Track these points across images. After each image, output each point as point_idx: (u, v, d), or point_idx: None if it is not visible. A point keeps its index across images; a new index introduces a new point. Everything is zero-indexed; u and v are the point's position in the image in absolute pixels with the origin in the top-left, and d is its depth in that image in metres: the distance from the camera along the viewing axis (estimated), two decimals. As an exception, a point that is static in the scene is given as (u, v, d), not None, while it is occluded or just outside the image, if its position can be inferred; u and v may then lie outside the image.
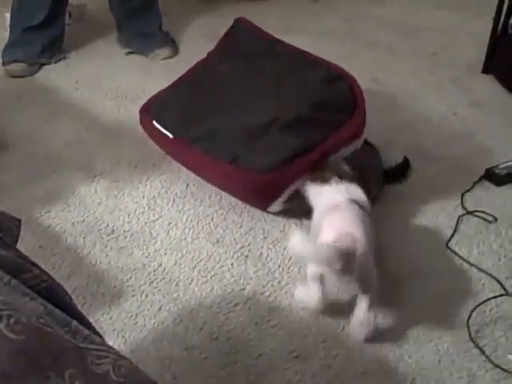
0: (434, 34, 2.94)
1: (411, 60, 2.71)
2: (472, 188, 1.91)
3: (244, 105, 1.78)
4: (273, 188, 1.69)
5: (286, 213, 1.78)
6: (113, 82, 2.50)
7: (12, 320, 0.71)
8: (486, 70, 2.60)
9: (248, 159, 1.67)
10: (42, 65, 2.59)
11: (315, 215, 1.56)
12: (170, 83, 2.03)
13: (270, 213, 1.78)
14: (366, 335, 1.41)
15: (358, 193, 1.55)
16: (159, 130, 1.81)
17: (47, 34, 2.58)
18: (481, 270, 1.62)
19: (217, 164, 1.70)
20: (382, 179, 1.86)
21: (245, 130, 1.71)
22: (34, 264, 0.90)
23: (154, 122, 1.83)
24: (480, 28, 2.72)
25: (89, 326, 0.93)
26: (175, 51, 2.73)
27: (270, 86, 1.82)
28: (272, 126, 1.70)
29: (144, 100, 2.28)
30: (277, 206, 1.73)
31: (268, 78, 1.84)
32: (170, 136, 1.79)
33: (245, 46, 1.95)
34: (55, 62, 2.61)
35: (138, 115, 1.96)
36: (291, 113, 1.72)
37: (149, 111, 1.90)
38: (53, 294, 0.89)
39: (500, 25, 2.54)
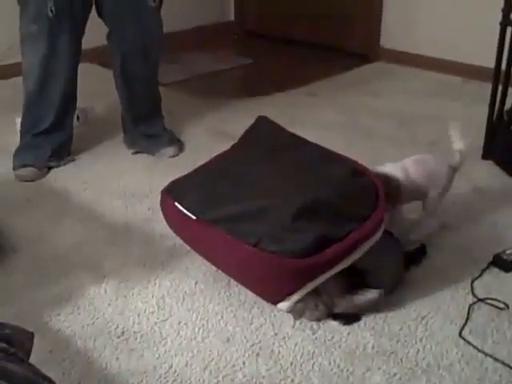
0: (431, 123, 3.02)
1: (410, 149, 2.75)
2: (481, 275, 1.90)
3: (269, 192, 1.78)
4: (300, 275, 1.66)
5: (296, 308, 1.77)
6: (120, 181, 2.55)
7: None
8: (486, 155, 2.66)
9: (275, 242, 1.64)
10: (51, 168, 2.65)
11: None
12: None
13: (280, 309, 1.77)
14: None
15: None
16: (181, 212, 1.79)
17: (56, 138, 2.66)
18: (496, 359, 1.59)
19: (240, 245, 1.67)
20: (399, 271, 1.86)
21: (270, 215, 1.70)
22: (45, 378, 0.90)
23: (176, 204, 1.82)
24: (476, 115, 2.79)
25: None
26: (181, 149, 2.80)
27: (295, 174, 1.84)
28: (300, 213, 1.68)
29: (151, 198, 2.34)
30: (289, 302, 1.71)
31: (293, 167, 1.87)
32: (193, 217, 1.77)
33: (268, 139, 1.99)
34: (64, 165, 2.68)
35: (160, 196, 1.93)
36: (318, 201, 1.72)
37: (171, 193, 1.88)
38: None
39: (495, 112, 2.62)
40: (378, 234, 1.72)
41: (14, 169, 2.60)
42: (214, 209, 1.76)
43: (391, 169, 1.99)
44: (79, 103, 2.84)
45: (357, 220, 1.70)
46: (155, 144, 2.77)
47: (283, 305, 1.72)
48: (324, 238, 1.65)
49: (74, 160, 2.72)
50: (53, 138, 2.65)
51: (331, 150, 1.93)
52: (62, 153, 2.70)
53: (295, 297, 1.70)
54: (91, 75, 3.52)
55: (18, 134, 2.70)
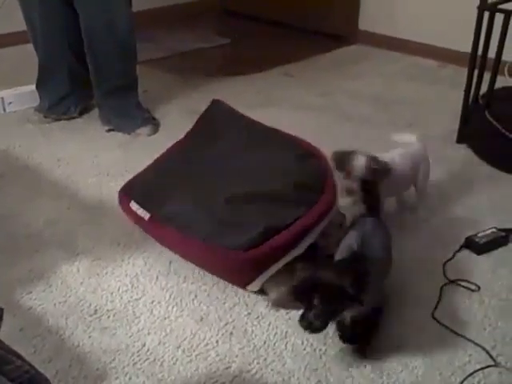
0: (409, 107, 3.04)
1: (388, 132, 2.76)
2: (453, 257, 1.92)
3: (217, 183, 1.80)
4: (251, 266, 1.68)
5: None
6: (94, 159, 2.52)
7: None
8: (460, 139, 2.68)
9: (223, 237, 1.67)
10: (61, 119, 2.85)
11: None
12: (151, 159, 2.06)
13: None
14: None
15: None
16: (135, 212, 1.83)
17: (50, 92, 2.82)
18: (467, 339, 1.62)
19: (190, 242, 1.72)
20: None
21: (218, 208, 1.73)
22: (15, 354, 0.89)
23: (132, 203, 1.86)
24: (452, 100, 2.82)
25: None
26: (156, 129, 2.77)
27: (243, 165, 1.84)
28: (245, 203, 1.72)
29: (126, 177, 2.30)
30: (257, 285, 1.72)
31: (242, 157, 1.87)
32: (147, 216, 1.81)
33: (220, 126, 1.99)
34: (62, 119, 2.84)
35: (118, 196, 1.97)
36: (263, 191, 1.73)
37: (127, 192, 1.92)
38: (35, 385, 0.87)
39: (471, 96, 2.63)
40: (330, 216, 1.72)
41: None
42: (165, 207, 1.79)
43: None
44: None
45: (305, 205, 1.70)
46: (129, 123, 2.74)
47: (250, 287, 1.74)
48: (270, 229, 1.66)
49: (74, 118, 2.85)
50: (47, 91, 2.83)
51: (281, 131, 1.90)
52: (57, 109, 2.83)
53: (255, 285, 1.71)
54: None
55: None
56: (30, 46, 2.81)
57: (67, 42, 2.72)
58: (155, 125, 2.79)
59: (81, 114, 2.88)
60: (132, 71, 2.78)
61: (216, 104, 2.08)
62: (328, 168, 1.79)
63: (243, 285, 1.75)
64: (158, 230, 1.82)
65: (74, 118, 2.85)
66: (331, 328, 1.65)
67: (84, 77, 2.79)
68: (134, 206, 1.85)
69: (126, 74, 2.77)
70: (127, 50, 2.71)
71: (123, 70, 2.75)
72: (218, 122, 2.01)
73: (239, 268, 1.69)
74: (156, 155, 2.07)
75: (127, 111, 2.77)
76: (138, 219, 1.86)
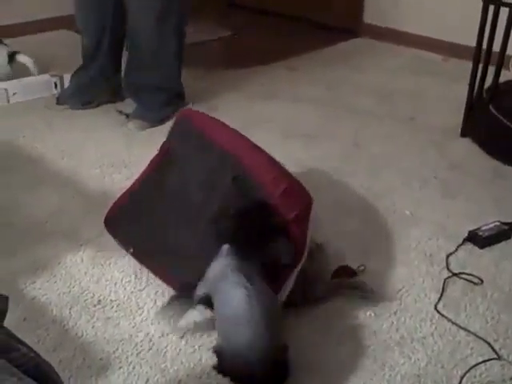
0: (412, 99, 3.03)
1: (390, 125, 2.78)
2: (456, 250, 1.93)
3: (181, 224, 1.77)
4: None
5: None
6: (98, 150, 2.52)
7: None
8: (464, 133, 2.68)
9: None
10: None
11: None
12: (153, 150, 2.01)
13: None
14: None
15: None
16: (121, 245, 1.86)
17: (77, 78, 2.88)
18: (469, 332, 1.62)
19: (169, 281, 1.75)
20: None
21: (186, 255, 1.70)
22: (21, 342, 0.90)
23: (116, 240, 1.88)
24: (456, 93, 2.81)
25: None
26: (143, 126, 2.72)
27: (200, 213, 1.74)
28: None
29: (129, 168, 2.32)
30: None
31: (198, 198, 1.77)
32: (130, 251, 1.84)
33: (181, 150, 1.88)
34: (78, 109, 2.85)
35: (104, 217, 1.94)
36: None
37: (110, 227, 1.91)
38: (40, 372, 0.88)
39: (475, 90, 2.63)
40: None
41: None
42: (144, 244, 1.82)
43: None
44: (56, 71, 2.81)
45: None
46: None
47: None
48: None
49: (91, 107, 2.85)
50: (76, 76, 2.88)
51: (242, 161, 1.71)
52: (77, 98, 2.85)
53: None
54: (68, 42, 3.45)
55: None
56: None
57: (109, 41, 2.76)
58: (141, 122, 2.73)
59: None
60: (166, 77, 2.75)
61: (180, 119, 1.94)
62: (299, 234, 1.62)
63: None
64: (141, 262, 1.83)
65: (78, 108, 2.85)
66: (333, 320, 1.66)
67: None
68: (117, 242, 1.88)
69: (158, 78, 2.73)
70: (166, 56, 2.70)
71: (157, 75, 2.72)
72: (180, 145, 1.90)
73: None
74: (157, 146, 2.03)
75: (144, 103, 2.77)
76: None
